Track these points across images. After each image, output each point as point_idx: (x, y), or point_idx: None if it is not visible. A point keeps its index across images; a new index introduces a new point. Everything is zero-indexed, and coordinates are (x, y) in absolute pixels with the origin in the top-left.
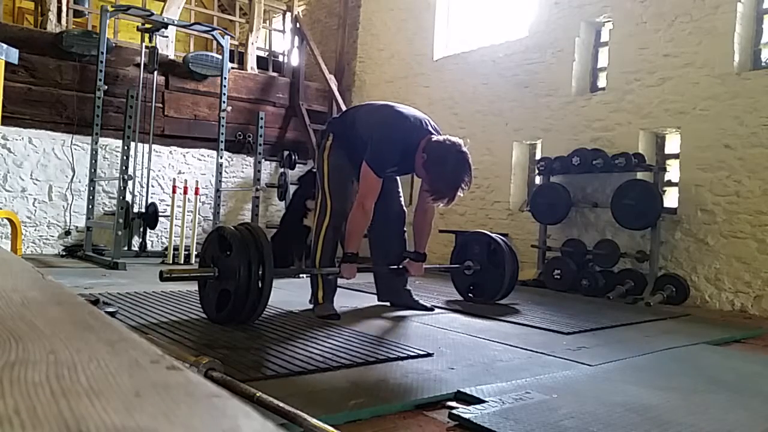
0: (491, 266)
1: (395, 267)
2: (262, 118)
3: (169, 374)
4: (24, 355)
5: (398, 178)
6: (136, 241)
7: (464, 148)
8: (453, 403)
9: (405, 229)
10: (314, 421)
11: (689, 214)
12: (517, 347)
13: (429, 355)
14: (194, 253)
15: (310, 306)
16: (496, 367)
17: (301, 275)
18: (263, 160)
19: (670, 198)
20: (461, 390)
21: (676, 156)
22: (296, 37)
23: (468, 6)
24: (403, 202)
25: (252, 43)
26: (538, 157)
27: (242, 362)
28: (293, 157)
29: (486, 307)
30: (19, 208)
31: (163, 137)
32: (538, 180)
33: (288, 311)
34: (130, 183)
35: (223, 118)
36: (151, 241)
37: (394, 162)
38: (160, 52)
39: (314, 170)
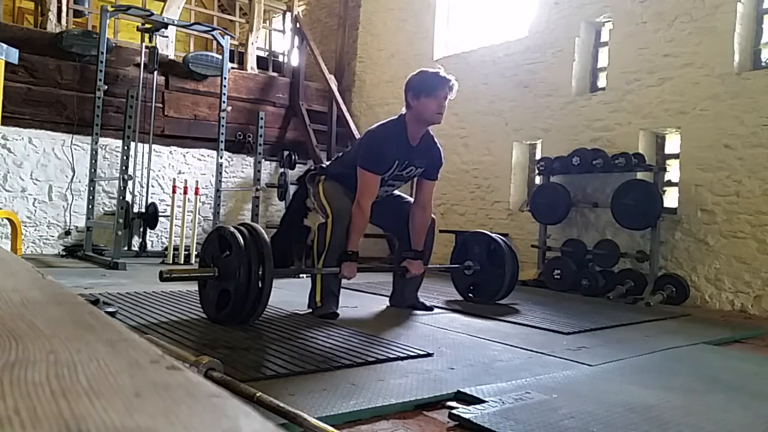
0: (491, 266)
1: (395, 267)
2: (262, 118)
3: (169, 374)
4: (24, 355)
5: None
6: (136, 241)
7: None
8: (453, 403)
9: (410, 229)
10: (314, 421)
11: (689, 214)
12: (517, 347)
13: (429, 355)
14: (194, 253)
15: (309, 310)
16: (496, 367)
17: (301, 275)
18: (263, 160)
19: (670, 198)
20: (461, 390)
21: (676, 156)
22: (296, 37)
23: (468, 6)
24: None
25: (252, 43)
26: (538, 157)
27: (242, 362)
28: (293, 157)
29: (486, 307)
30: (19, 208)
31: (163, 137)
32: (538, 180)
33: (288, 311)
34: (130, 183)
35: (223, 118)
36: (151, 241)
37: (390, 155)
38: (160, 52)
39: (312, 170)
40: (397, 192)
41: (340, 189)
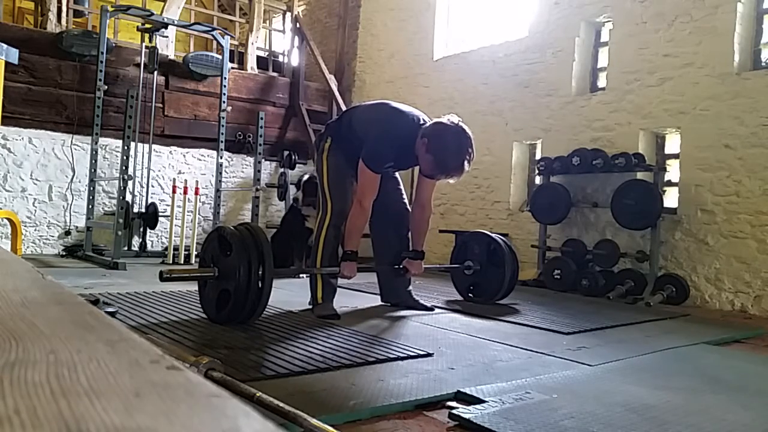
0: (491, 266)
1: (395, 267)
2: (262, 118)
3: (169, 374)
4: (24, 355)
5: (400, 178)
6: (136, 241)
7: (461, 123)
8: (453, 403)
9: (410, 228)
10: (314, 421)
11: (689, 214)
12: (517, 347)
13: (429, 355)
14: (194, 253)
15: (310, 307)
16: (496, 367)
17: (301, 275)
18: (263, 160)
19: (670, 198)
20: (461, 390)
21: (676, 156)
22: (296, 37)
23: (468, 6)
24: (406, 203)
25: (252, 43)
26: (538, 157)
27: (242, 362)
28: (293, 157)
29: (486, 307)
30: (19, 208)
31: (163, 137)
32: (538, 180)
33: (288, 311)
34: (130, 183)
35: (223, 118)
36: (151, 241)
37: (390, 158)
38: (160, 52)
39: (312, 177)
40: (394, 185)
41: (343, 171)
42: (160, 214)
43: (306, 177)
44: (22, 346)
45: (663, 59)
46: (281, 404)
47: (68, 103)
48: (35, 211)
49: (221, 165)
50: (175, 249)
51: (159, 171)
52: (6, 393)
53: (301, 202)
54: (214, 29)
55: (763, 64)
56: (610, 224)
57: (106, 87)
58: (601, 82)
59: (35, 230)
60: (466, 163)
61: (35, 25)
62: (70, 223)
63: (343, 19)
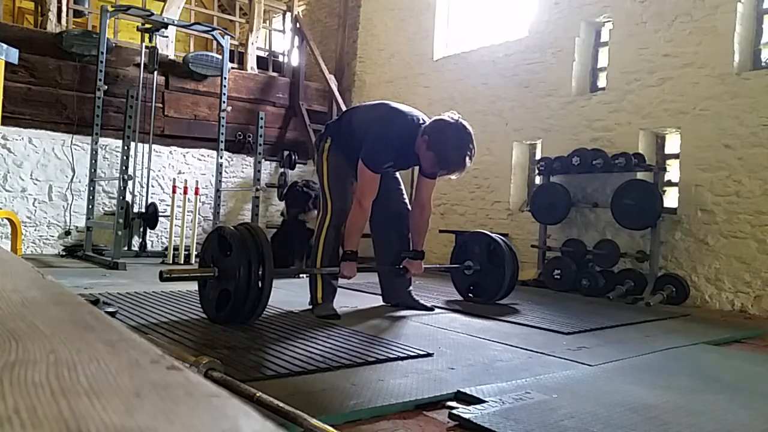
0: (491, 266)
1: (396, 267)
2: (262, 118)
3: (169, 374)
4: (24, 355)
5: (400, 178)
6: (136, 241)
7: (461, 119)
8: (453, 403)
9: (410, 228)
10: (314, 421)
11: (689, 214)
12: (517, 347)
13: (429, 355)
14: (194, 253)
15: (310, 307)
16: (496, 367)
17: (301, 275)
18: (263, 160)
19: (670, 198)
20: (461, 390)
21: (676, 156)
22: (296, 37)
23: (468, 6)
24: (407, 202)
25: (252, 43)
26: (538, 157)
27: (242, 362)
28: (293, 157)
29: (486, 307)
30: (19, 208)
31: (163, 137)
32: (538, 180)
33: (288, 311)
34: (130, 183)
35: (223, 118)
36: (151, 241)
37: (390, 158)
38: (160, 52)
39: (298, 187)
40: (395, 185)
41: (343, 171)
42: (160, 214)
43: (287, 187)
44: (22, 346)
45: (663, 59)
46: (281, 404)
47: (68, 103)
48: (35, 211)
49: (221, 165)
50: (175, 249)
51: (159, 171)
52: (6, 393)
53: (286, 215)
54: (214, 29)
55: (763, 64)
56: (610, 224)
57: (106, 87)
58: (601, 82)
59: (35, 230)
60: (467, 158)
61: (35, 25)
62: (70, 223)
63: (343, 19)
